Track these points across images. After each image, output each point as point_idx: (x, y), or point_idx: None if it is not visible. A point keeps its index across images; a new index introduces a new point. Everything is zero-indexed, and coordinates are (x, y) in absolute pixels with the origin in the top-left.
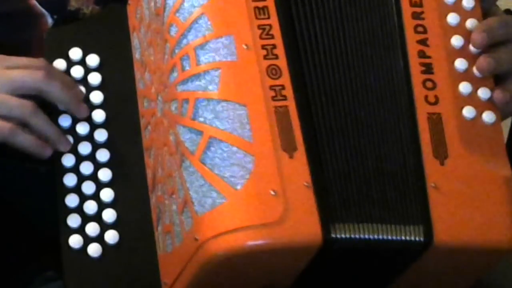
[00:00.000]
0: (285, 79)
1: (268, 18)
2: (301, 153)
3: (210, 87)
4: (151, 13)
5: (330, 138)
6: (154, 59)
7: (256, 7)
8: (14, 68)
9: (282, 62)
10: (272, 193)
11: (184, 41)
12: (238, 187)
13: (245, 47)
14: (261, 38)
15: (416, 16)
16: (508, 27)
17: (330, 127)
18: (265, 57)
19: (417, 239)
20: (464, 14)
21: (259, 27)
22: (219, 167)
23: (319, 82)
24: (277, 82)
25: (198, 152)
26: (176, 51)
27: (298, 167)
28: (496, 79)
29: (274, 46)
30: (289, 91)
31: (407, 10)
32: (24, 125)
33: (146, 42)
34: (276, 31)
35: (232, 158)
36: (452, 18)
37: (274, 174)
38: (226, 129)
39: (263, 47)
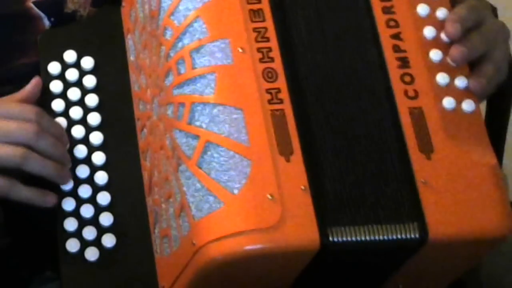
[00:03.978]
0: (281, 82)
1: (263, 21)
2: (297, 157)
3: (206, 91)
4: (146, 15)
5: (324, 141)
6: (149, 62)
7: (251, 10)
8: (6, 118)
9: (277, 65)
10: (269, 197)
11: (180, 44)
12: (235, 191)
13: (240, 50)
14: (256, 41)
15: (386, 10)
16: (477, 11)
17: (324, 130)
18: (261, 60)
19: (412, 236)
20: (434, 4)
21: (254, 30)
22: (216, 172)
23: (314, 85)
24: (273, 85)
25: (194, 156)
26: (172, 54)
27: (295, 170)
28: (471, 63)
29: (269, 49)
30: (285, 94)
31: (377, 5)
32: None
33: (141, 44)
34: (272, 34)
35: (229, 163)
36: (422, 9)
37: (271, 178)
38: (222, 133)
39: (258, 50)
